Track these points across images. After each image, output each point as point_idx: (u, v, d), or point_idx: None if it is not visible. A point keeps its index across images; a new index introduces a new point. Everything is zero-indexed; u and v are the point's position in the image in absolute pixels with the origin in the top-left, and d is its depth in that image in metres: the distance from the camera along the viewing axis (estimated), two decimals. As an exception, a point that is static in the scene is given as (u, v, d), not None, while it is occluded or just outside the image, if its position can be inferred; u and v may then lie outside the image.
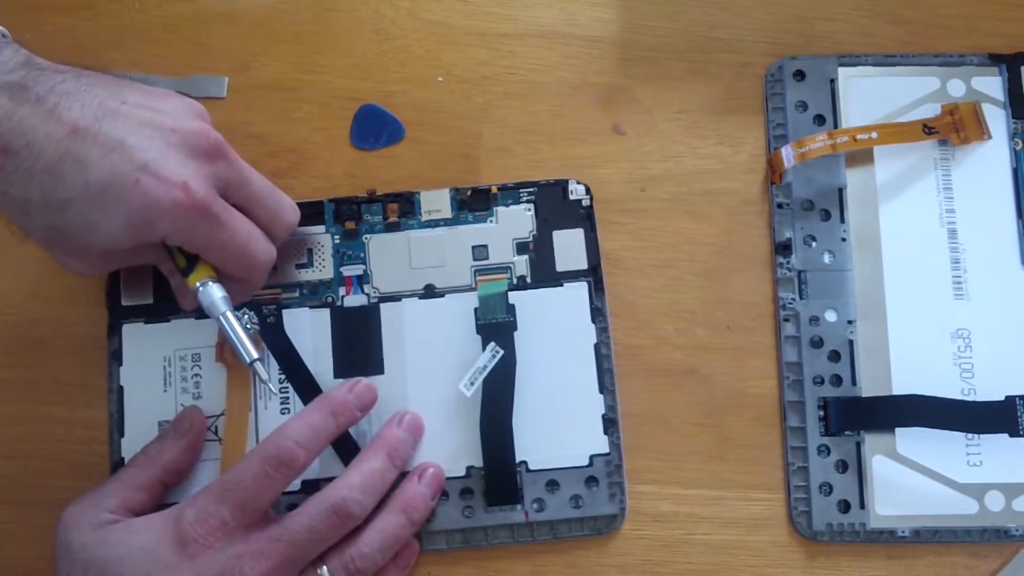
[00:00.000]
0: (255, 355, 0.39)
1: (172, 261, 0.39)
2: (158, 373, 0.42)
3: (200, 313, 0.42)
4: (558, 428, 0.41)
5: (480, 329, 0.42)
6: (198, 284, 0.38)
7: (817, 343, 0.43)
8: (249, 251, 0.38)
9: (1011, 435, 0.41)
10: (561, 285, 0.43)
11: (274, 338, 0.42)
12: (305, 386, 0.42)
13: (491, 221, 0.43)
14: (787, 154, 0.44)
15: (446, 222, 0.43)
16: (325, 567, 0.38)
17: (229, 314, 0.38)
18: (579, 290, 0.43)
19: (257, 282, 0.40)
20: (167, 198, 0.35)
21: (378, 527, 0.39)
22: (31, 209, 0.35)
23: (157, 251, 0.39)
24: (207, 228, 0.36)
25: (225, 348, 0.42)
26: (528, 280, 0.43)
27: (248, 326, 0.39)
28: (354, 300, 0.43)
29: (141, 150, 0.35)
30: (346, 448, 0.41)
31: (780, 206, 0.44)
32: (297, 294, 0.43)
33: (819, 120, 0.45)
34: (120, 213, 0.35)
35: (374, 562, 0.39)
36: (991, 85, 0.45)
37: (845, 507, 0.42)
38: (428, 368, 0.42)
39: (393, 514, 0.39)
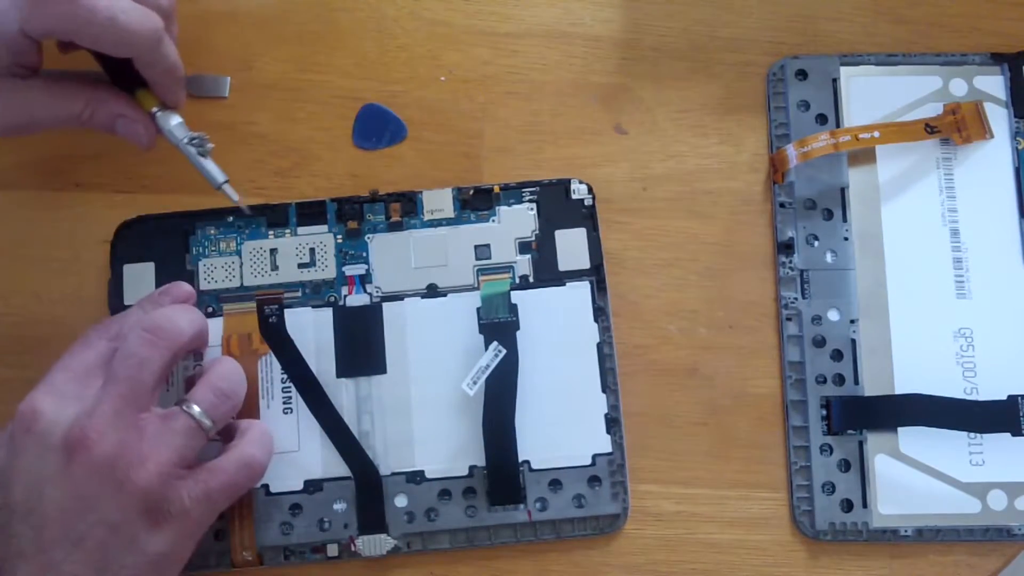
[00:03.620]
0: (221, 179, 0.40)
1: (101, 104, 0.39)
2: (160, 373, 0.42)
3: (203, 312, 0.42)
4: (561, 427, 0.41)
5: (483, 328, 0.42)
6: (154, 109, 0.40)
7: (819, 342, 0.43)
8: (118, 23, 0.37)
9: (1013, 434, 0.41)
10: (563, 284, 0.43)
11: (276, 337, 0.42)
12: (307, 386, 0.42)
13: (493, 221, 0.43)
14: (790, 153, 0.44)
15: (448, 222, 0.43)
16: (193, 404, 0.37)
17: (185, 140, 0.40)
18: (581, 289, 0.43)
19: (152, 57, 0.39)
20: None
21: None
22: None
23: (77, 94, 0.40)
24: (60, 7, 0.36)
25: (231, 341, 0.42)
26: (530, 279, 0.43)
27: (199, 151, 0.40)
28: (356, 299, 0.43)
29: None
30: (348, 447, 0.41)
31: (782, 205, 0.44)
32: (299, 293, 0.43)
33: (821, 119, 0.45)
34: None
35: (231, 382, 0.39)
36: (993, 84, 0.45)
37: (848, 506, 0.42)
38: (431, 367, 0.42)
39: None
